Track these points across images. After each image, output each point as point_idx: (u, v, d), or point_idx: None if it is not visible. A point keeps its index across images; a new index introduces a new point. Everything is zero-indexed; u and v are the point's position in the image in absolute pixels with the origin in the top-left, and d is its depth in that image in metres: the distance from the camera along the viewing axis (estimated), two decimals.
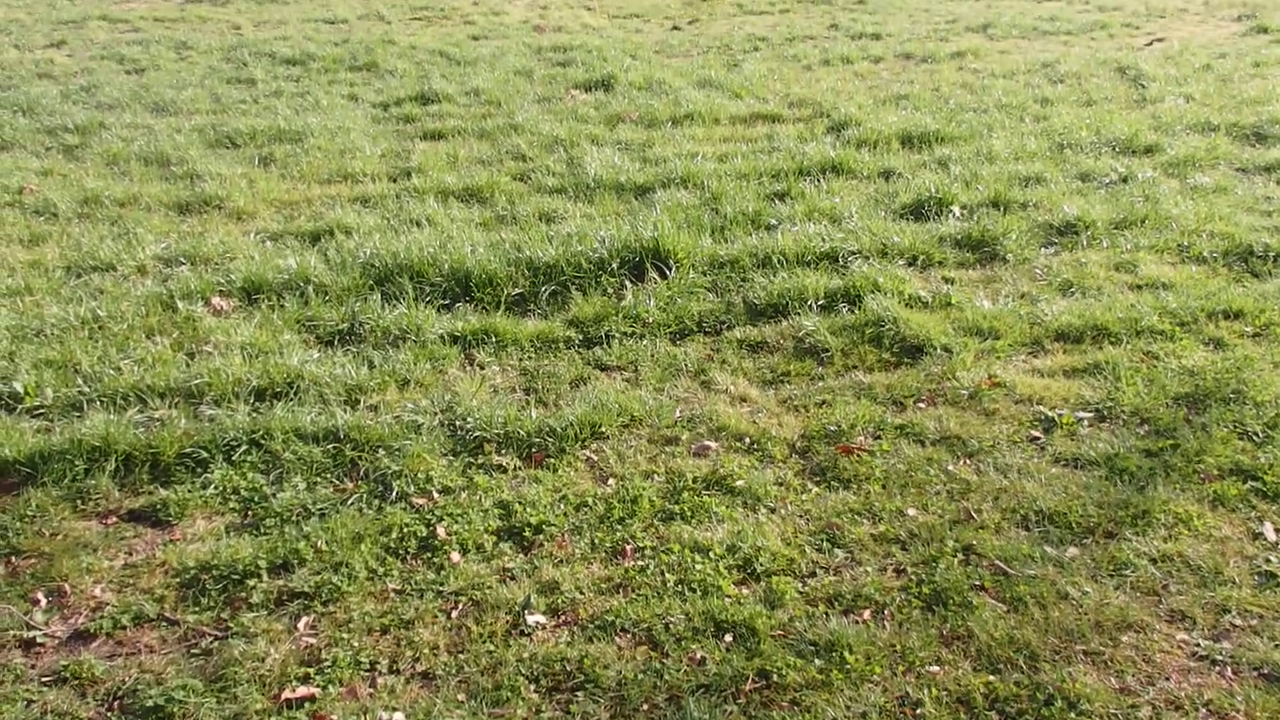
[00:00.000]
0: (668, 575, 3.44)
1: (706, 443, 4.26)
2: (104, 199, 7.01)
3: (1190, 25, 15.26)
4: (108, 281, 5.72)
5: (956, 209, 6.79)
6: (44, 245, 6.28)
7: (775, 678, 3.01)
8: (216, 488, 3.91)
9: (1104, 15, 16.08)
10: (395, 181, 7.60)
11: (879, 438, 4.30)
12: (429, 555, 3.56)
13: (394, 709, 2.92)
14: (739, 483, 3.96)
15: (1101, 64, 11.78)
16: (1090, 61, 11.95)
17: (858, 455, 4.15)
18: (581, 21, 16.38)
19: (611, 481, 4.00)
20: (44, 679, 3.04)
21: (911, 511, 3.79)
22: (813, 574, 3.47)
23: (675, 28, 15.79)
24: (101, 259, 5.99)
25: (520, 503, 3.83)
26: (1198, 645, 3.13)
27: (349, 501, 3.84)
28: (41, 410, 4.40)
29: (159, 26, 14.70)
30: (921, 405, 4.55)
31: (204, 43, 13.25)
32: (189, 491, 3.89)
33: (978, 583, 3.38)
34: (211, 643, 3.17)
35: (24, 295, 5.51)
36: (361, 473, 4.04)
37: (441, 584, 3.40)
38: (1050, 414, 4.44)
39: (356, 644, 3.15)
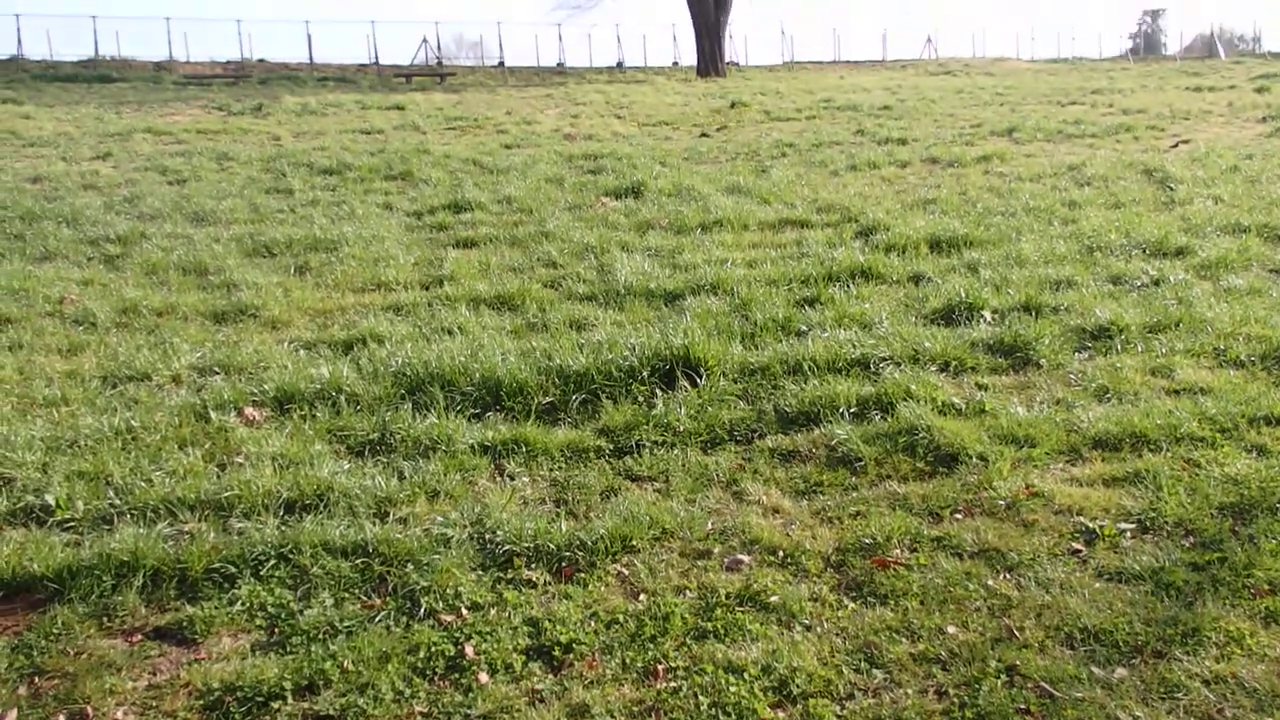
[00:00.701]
0: (701, 698, 3.34)
1: (739, 556, 4.18)
2: (142, 308, 7.13)
3: (1215, 127, 15.37)
4: (143, 391, 5.77)
5: (987, 314, 6.76)
6: (82, 355, 6.37)
7: None
8: (243, 604, 3.87)
9: (1128, 118, 16.24)
10: (428, 289, 7.69)
11: (915, 550, 4.21)
12: (457, 676, 3.48)
13: None
14: (773, 598, 3.87)
15: (1128, 166, 11.85)
16: (1116, 164, 12.02)
17: (894, 569, 4.06)
18: (612, 130, 16.72)
19: (643, 597, 3.92)
20: None
21: (951, 629, 3.68)
22: (851, 696, 3.36)
23: (704, 135, 16.08)
24: (137, 369, 6.06)
25: (550, 620, 3.75)
26: None
27: (376, 619, 3.78)
28: (72, 523, 4.39)
29: (202, 138, 15.15)
30: (958, 516, 4.46)
31: (244, 154, 13.62)
32: (215, 608, 3.85)
33: (1023, 706, 3.26)
34: None
35: (60, 406, 5.56)
36: (390, 588, 3.98)
37: (469, 707, 3.32)
38: (1091, 525, 4.33)
39: None
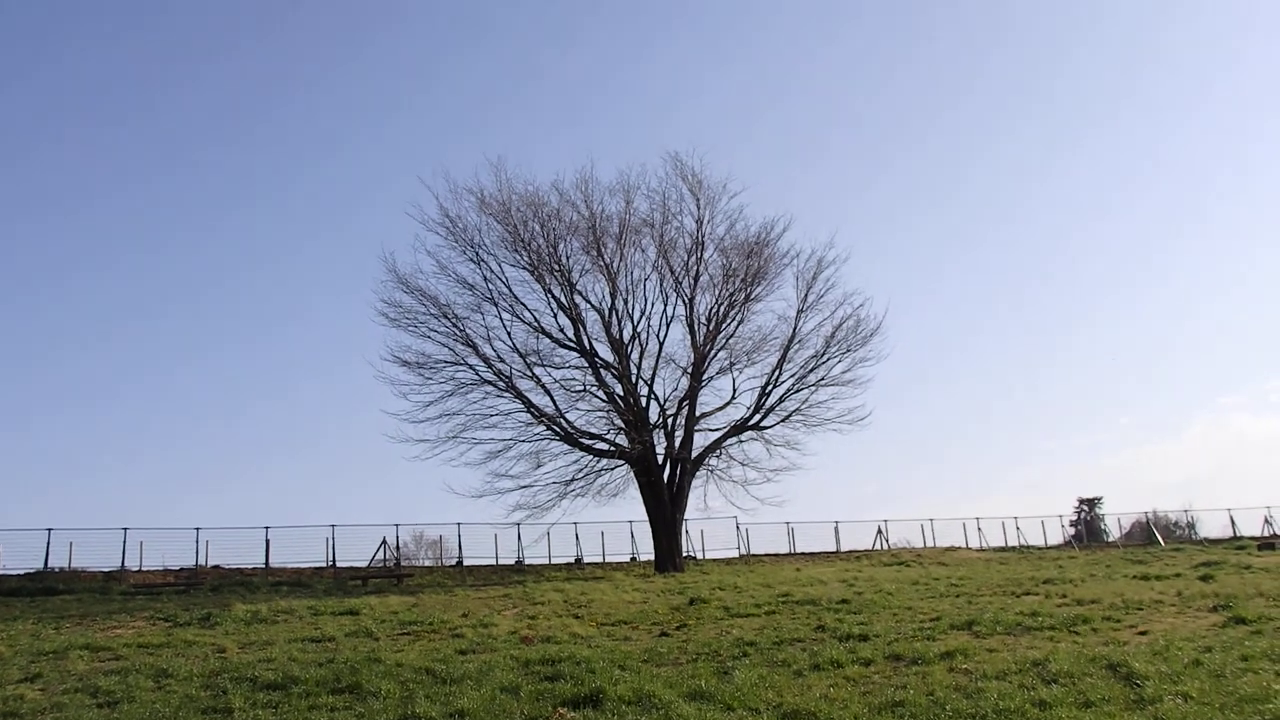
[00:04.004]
0: None
1: None
2: None
3: (1169, 617, 15.46)
4: None
5: None
6: None
7: None
8: None
9: (1083, 609, 16.36)
10: None
11: None
12: None
13: None
14: None
15: (1091, 661, 11.70)
16: (1079, 659, 11.88)
17: None
18: (570, 630, 16.49)
19: None
20: None
21: None
22: None
23: (664, 634, 15.87)
24: None
25: None
26: None
27: None
28: None
29: (142, 653, 14.64)
30: None
31: (185, 669, 13.10)
32: None
33: None
34: None
35: None
36: None
37: None
38: None
39: None
